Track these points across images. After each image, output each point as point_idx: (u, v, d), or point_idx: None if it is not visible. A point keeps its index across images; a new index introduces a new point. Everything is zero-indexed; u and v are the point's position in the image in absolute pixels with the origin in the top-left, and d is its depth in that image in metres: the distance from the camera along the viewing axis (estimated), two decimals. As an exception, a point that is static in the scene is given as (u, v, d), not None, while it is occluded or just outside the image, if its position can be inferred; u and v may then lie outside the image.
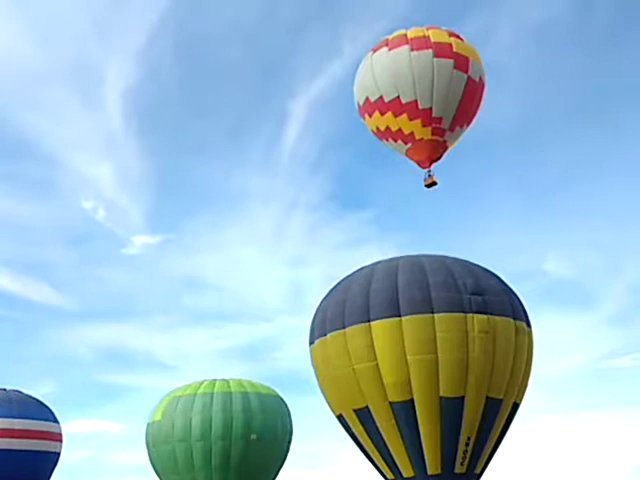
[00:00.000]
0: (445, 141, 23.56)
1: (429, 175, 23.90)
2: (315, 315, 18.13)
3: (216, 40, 56.44)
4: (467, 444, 16.06)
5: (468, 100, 23.23)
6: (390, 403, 16.04)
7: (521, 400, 17.29)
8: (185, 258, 60.34)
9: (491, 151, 52.39)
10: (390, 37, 23.81)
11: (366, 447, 17.23)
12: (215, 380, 25.50)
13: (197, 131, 60.70)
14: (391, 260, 17.56)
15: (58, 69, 56.35)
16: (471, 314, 15.97)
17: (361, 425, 16.88)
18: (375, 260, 17.99)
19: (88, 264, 60.12)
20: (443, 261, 17.22)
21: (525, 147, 54.02)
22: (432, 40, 23.07)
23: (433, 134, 23.10)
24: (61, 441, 29.01)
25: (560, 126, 54.28)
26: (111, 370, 58.21)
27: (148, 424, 25.55)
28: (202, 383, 25.30)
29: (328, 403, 18.12)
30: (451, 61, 22.80)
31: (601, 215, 53.63)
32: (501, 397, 16.31)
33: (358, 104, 24.51)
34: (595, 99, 54.22)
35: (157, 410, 25.25)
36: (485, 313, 16.12)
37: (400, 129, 23.11)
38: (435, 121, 22.91)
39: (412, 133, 23.06)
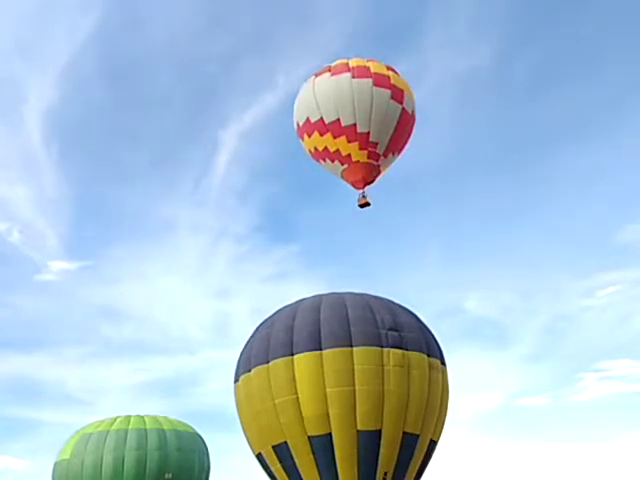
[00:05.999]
0: (379, 165, 25.73)
1: (363, 196, 25.84)
2: (240, 354, 19.25)
3: (147, 64, 57.53)
4: (384, 479, 17.02)
5: (401, 130, 25.59)
6: (309, 437, 16.98)
7: (439, 437, 18.47)
8: (104, 286, 59.86)
9: (416, 190, 56.36)
10: (333, 65, 25.96)
11: (283, 484, 17.98)
12: (130, 416, 25.67)
13: (123, 156, 60.96)
14: (315, 297, 18.99)
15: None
16: (387, 348, 17.30)
17: (279, 462, 17.70)
18: (301, 294, 19.48)
19: (-1, 289, 58.72)
20: (363, 298, 18.71)
21: (448, 188, 57.86)
22: (372, 70, 25.47)
23: (369, 157, 25.22)
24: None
25: (480, 170, 58.81)
26: (18, 403, 56.32)
27: (55, 462, 25.53)
28: (116, 419, 25.46)
29: (248, 442, 18.89)
30: (388, 91, 25.15)
31: (518, 256, 58.21)
32: (417, 432, 17.44)
33: (298, 124, 26.30)
34: (513, 148, 58.67)
35: (66, 447, 25.26)
36: (401, 348, 17.49)
37: (338, 150, 25.09)
38: (371, 145, 25.05)
39: (349, 155, 25.08)
